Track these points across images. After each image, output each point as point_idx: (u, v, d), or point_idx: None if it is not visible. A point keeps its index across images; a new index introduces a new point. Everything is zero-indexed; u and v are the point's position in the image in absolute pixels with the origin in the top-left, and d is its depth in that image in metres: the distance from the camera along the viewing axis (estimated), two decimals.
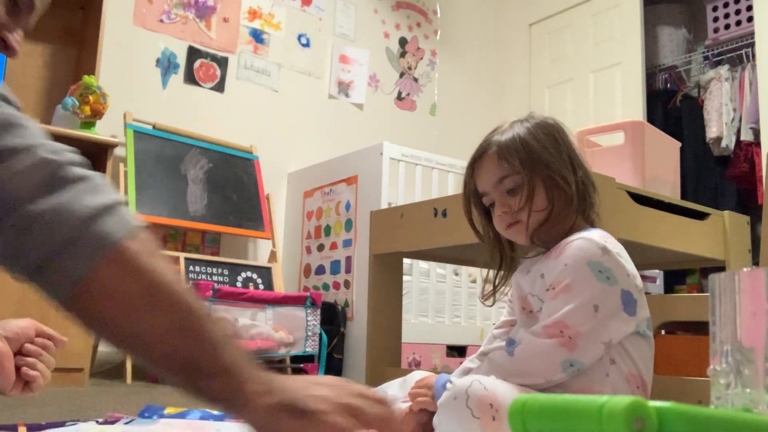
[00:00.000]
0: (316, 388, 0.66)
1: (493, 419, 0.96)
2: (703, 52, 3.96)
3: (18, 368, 0.98)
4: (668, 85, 4.00)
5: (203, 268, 3.01)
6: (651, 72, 3.99)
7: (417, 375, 1.43)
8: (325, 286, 3.24)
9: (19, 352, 0.99)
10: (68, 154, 0.68)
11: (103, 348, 2.80)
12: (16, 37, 0.81)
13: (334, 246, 3.23)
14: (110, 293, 0.62)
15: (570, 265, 1.04)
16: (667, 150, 1.97)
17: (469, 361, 1.25)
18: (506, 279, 1.21)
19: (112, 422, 1.29)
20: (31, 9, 0.79)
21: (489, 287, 1.22)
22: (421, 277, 3.30)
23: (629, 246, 1.59)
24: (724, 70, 3.70)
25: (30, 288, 0.64)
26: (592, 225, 1.15)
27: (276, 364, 2.86)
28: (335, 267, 3.21)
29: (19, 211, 0.61)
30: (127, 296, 0.62)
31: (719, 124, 3.61)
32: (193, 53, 3.45)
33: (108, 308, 0.63)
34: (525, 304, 1.16)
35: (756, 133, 3.42)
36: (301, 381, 0.67)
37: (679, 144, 2.05)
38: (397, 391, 1.43)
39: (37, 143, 0.66)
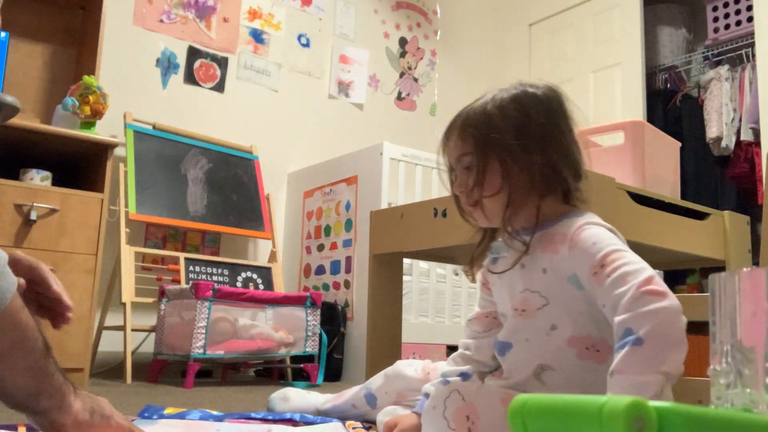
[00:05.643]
0: (98, 399, 0.94)
1: (469, 431, 0.94)
2: (703, 52, 3.96)
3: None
4: (668, 85, 4.00)
5: (203, 268, 3.01)
6: (651, 72, 3.99)
7: (400, 365, 1.42)
8: (325, 286, 3.24)
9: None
10: None
11: (104, 348, 2.80)
12: None
13: (334, 246, 3.23)
14: None
15: (599, 241, 0.96)
16: (667, 150, 1.97)
17: (431, 385, 1.17)
18: (485, 252, 1.13)
19: None
20: None
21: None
22: (421, 277, 3.29)
23: (629, 246, 1.59)
24: (724, 70, 3.70)
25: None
26: (575, 209, 1.06)
27: (276, 364, 2.86)
28: (335, 267, 3.21)
29: None
30: (2, 345, 0.79)
31: (719, 124, 3.61)
32: (193, 53, 3.45)
33: None
34: (519, 304, 1.06)
35: (756, 133, 3.41)
36: (92, 396, 0.94)
37: (679, 144, 2.05)
38: (380, 386, 1.43)
39: None
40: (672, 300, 0.86)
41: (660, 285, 0.87)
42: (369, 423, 1.42)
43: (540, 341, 1.03)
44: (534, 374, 1.04)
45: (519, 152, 1.02)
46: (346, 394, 1.50)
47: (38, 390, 0.84)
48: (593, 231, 0.98)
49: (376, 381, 1.43)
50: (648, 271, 0.89)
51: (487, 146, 1.03)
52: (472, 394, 0.97)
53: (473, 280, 1.18)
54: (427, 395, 1.15)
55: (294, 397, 1.57)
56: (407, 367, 1.40)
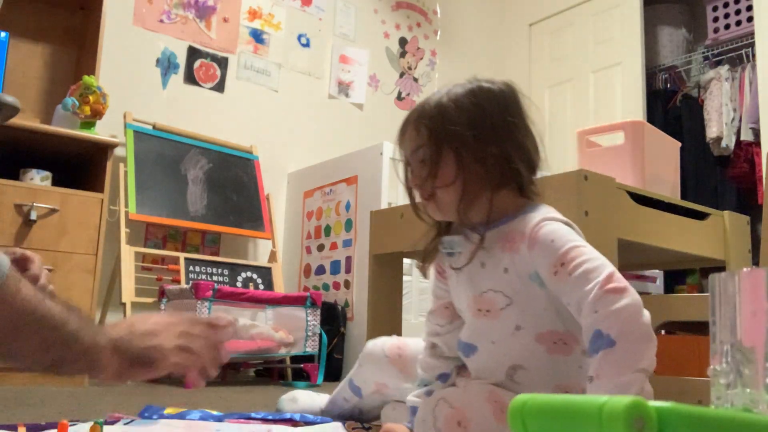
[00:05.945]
0: (151, 338, 0.87)
1: None
2: (703, 52, 3.96)
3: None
4: (668, 85, 4.00)
5: (203, 268, 3.01)
6: (651, 72, 3.99)
7: (368, 346, 1.41)
8: (325, 286, 3.24)
9: None
10: None
11: None
12: None
13: (334, 246, 3.23)
14: None
15: (557, 238, 0.96)
16: (667, 150, 1.97)
17: (414, 396, 1.16)
18: (437, 247, 1.12)
19: (112, 422, 1.29)
20: None
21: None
22: (421, 277, 3.29)
23: (629, 246, 1.59)
24: (724, 70, 3.70)
25: None
26: (531, 202, 1.06)
27: (276, 364, 2.85)
28: (335, 267, 3.21)
29: None
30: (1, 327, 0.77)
31: (719, 124, 3.61)
32: (193, 53, 3.45)
33: None
34: (483, 304, 1.06)
35: (756, 133, 3.41)
36: (139, 334, 0.87)
37: (679, 144, 2.04)
38: (358, 374, 1.42)
39: None
40: (633, 295, 0.88)
41: (621, 281, 0.89)
42: (369, 423, 1.42)
43: (507, 342, 1.03)
44: (507, 376, 1.03)
45: (473, 143, 1.02)
46: (338, 389, 1.51)
47: (57, 361, 0.82)
48: (551, 227, 0.99)
49: (354, 370, 1.44)
50: (608, 267, 0.91)
51: (441, 137, 1.04)
52: (458, 400, 0.97)
53: (426, 276, 1.19)
54: (413, 408, 1.13)
55: (302, 398, 1.57)
56: (374, 346, 1.39)
